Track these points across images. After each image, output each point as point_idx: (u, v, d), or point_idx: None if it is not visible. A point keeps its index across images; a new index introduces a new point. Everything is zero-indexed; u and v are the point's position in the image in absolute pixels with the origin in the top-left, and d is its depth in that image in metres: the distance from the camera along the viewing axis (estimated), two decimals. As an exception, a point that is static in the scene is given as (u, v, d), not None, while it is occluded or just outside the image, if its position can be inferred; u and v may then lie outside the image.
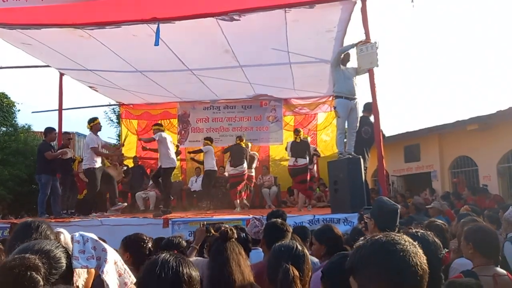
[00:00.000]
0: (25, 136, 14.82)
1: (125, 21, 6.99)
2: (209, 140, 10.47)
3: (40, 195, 8.31)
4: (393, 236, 1.25)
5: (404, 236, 1.27)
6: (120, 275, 1.49)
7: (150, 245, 2.87)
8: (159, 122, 10.36)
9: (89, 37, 7.47)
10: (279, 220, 3.03)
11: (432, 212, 7.07)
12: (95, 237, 1.49)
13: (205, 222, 3.01)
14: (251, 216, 5.21)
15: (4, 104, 15.00)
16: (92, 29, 7.18)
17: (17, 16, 6.96)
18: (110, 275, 1.43)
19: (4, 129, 15.03)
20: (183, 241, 3.18)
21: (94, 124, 8.24)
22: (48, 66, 9.77)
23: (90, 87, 11.14)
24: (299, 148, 9.01)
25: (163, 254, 1.54)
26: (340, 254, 1.89)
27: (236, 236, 2.29)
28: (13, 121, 15.38)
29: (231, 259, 2.10)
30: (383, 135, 7.19)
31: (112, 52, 8.29)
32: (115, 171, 9.19)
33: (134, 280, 1.52)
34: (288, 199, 11.35)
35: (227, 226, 2.36)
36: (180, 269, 1.45)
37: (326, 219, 6.35)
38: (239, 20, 6.97)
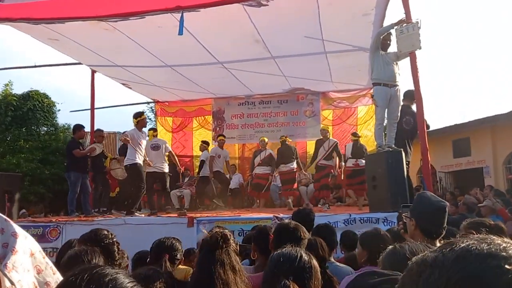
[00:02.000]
0: (65, 135, 15.03)
1: (148, 11, 6.68)
2: (206, 143, 10.36)
3: (70, 193, 8.19)
4: (496, 241, 0.62)
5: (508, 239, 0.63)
6: (39, 272, 1.07)
7: (116, 241, 2.35)
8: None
9: (114, 29, 7.24)
10: (293, 222, 2.47)
11: (485, 211, 6.39)
12: (4, 216, 1.08)
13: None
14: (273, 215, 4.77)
15: (45, 104, 15.26)
16: (116, 21, 6.92)
17: (41, 11, 6.83)
18: (19, 270, 1.01)
19: (45, 128, 15.31)
20: (178, 243, 2.73)
21: (140, 119, 7.78)
22: (80, 63, 9.69)
23: (123, 84, 11.03)
24: (359, 151, 9.15)
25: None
26: (368, 273, 1.38)
27: (232, 243, 1.83)
28: (54, 121, 15.65)
29: (216, 275, 1.64)
30: (427, 126, 6.50)
31: (139, 46, 8.05)
32: (120, 166, 8.92)
33: (60, 279, 1.10)
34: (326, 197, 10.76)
35: (223, 230, 1.88)
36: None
37: (364, 219, 5.79)
38: (267, 5, 6.48)
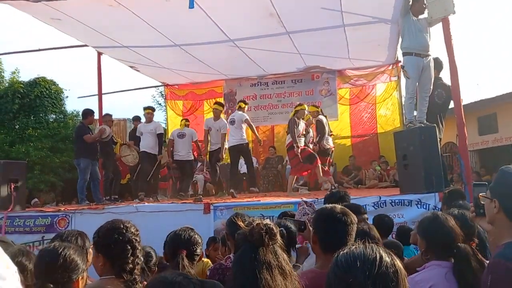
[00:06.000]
0: (74, 122, 14.70)
1: (154, -18, 6.21)
2: None
3: (79, 180, 7.87)
4: None
5: None
6: None
7: (133, 236, 1.89)
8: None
9: (118, 5, 6.75)
10: (338, 207, 1.99)
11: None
12: None
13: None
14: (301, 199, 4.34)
15: (53, 91, 14.90)
16: (120, -5, 6.46)
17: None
18: None
19: (54, 116, 14.97)
20: (197, 236, 2.27)
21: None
22: (85, 45, 9.26)
23: (131, 66, 10.57)
24: None
25: None
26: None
27: (279, 238, 1.40)
28: (62, 108, 15.30)
29: (263, 282, 1.23)
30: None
31: (146, 23, 7.55)
32: (130, 152, 8.65)
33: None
34: (345, 179, 10.33)
35: (266, 223, 1.44)
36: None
37: (395, 201, 5.34)
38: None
